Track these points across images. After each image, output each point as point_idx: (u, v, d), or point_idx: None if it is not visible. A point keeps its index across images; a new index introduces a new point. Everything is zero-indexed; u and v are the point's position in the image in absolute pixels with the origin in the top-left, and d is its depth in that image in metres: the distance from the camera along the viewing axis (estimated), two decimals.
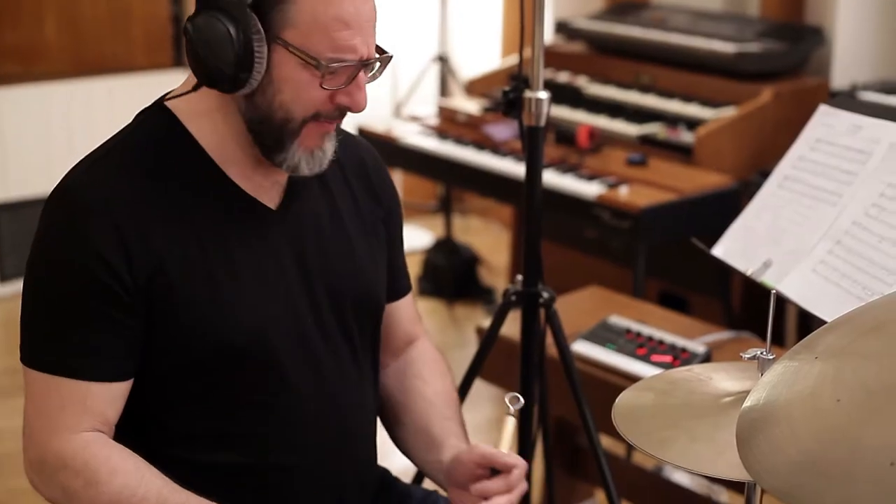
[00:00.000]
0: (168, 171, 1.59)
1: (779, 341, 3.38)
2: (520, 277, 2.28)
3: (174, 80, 1.68)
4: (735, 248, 2.09)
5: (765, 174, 2.31)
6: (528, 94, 2.19)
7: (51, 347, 1.55)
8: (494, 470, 1.67)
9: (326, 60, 1.53)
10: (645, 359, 2.46)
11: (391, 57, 1.63)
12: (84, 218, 1.54)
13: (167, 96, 1.65)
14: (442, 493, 1.87)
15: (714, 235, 2.15)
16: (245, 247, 1.62)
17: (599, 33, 4.05)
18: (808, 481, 1.15)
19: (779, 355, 1.43)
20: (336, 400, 1.69)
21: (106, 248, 1.52)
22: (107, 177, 1.57)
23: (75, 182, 1.58)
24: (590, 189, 3.28)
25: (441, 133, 3.87)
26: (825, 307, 1.82)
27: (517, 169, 3.40)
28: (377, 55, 1.60)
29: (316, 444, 1.67)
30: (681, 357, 2.44)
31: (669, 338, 2.52)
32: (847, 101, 3.16)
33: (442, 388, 1.86)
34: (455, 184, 4.50)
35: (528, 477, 2.33)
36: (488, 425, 3.49)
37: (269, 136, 1.58)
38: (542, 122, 2.20)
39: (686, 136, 3.51)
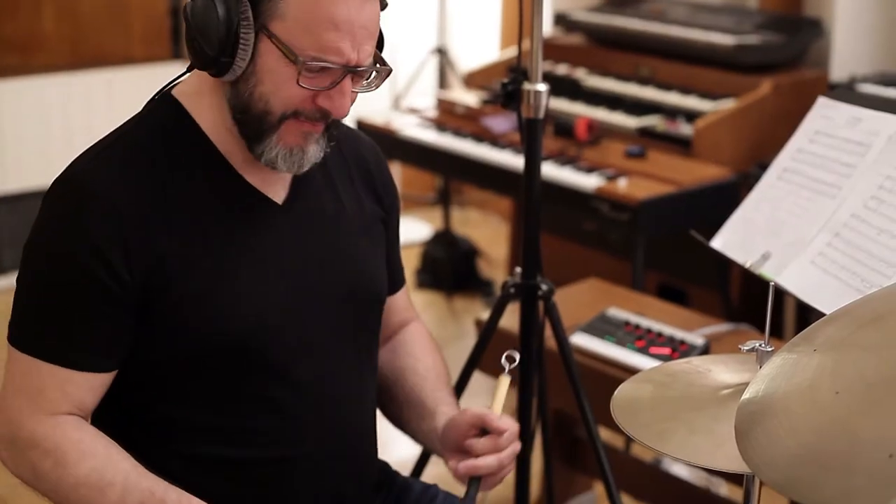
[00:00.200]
0: (174, 162, 1.59)
1: (777, 333, 3.38)
2: (518, 270, 2.28)
3: (172, 72, 1.68)
4: (734, 240, 2.09)
5: (764, 166, 2.31)
6: (526, 86, 2.18)
7: (37, 332, 1.56)
8: (486, 431, 1.72)
9: (307, 58, 1.51)
10: (644, 351, 2.46)
11: (390, 71, 1.61)
12: (84, 209, 1.53)
13: (174, 84, 1.65)
14: (441, 486, 1.88)
15: (713, 228, 2.15)
16: (250, 241, 1.62)
17: (598, 25, 4.04)
18: (807, 473, 1.15)
19: (777, 348, 1.43)
20: (336, 394, 1.69)
21: (104, 242, 1.52)
22: (110, 168, 1.56)
23: (79, 172, 1.57)
24: (588, 181, 3.27)
25: (440, 125, 3.87)
26: (824, 299, 1.82)
27: (516, 161, 3.40)
28: (375, 66, 1.59)
29: (316, 438, 1.67)
30: (679, 349, 2.44)
31: (668, 330, 2.52)
32: (846, 93, 3.15)
33: (433, 363, 1.90)
34: (454, 176, 4.50)
35: (527, 469, 2.34)
36: None
37: (249, 126, 1.57)
38: (541, 115, 2.19)
39: (685, 129, 3.51)
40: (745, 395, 1.33)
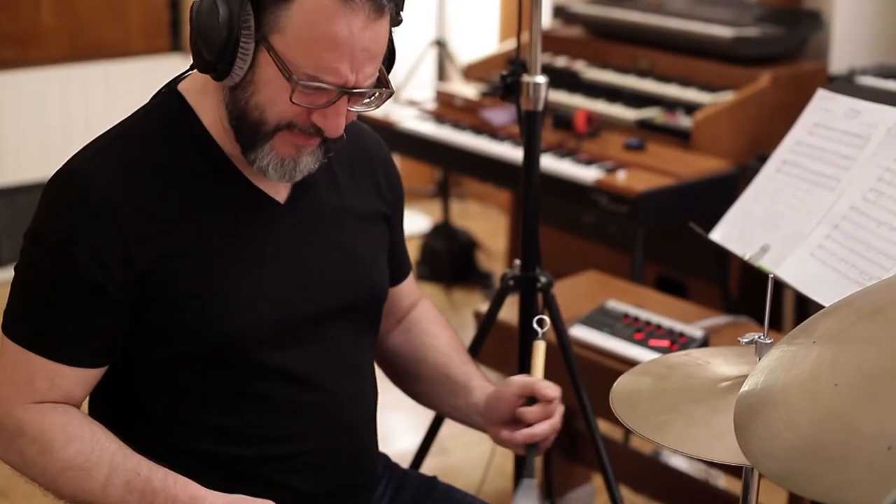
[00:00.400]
0: (176, 159, 1.58)
1: (776, 326, 3.39)
2: (518, 262, 2.28)
3: (171, 65, 1.68)
4: (733, 232, 2.09)
5: (763, 159, 2.31)
6: (525, 78, 2.18)
7: (30, 324, 1.56)
8: (532, 399, 1.77)
9: (302, 76, 1.48)
10: (643, 343, 2.46)
11: (392, 93, 1.58)
12: (82, 207, 1.53)
13: (181, 78, 1.65)
14: (440, 478, 1.88)
15: (712, 220, 2.15)
16: (251, 239, 1.62)
17: (597, 18, 4.04)
18: (806, 466, 1.15)
19: (776, 340, 1.43)
20: (336, 390, 1.68)
21: (101, 240, 1.52)
22: (111, 165, 1.56)
23: (79, 168, 1.57)
24: (588, 174, 3.27)
25: (439, 117, 3.86)
26: (823, 291, 1.82)
27: (515, 153, 3.39)
28: (375, 88, 1.56)
29: (316, 435, 1.67)
30: (678, 341, 2.44)
31: (667, 322, 2.52)
32: (845, 85, 3.15)
33: (448, 337, 1.94)
34: (453, 168, 4.49)
35: None
36: None
37: (243, 132, 1.55)
38: (540, 107, 2.19)
39: (684, 121, 3.50)
40: (744, 388, 1.33)
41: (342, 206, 1.72)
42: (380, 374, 1.85)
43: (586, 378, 2.27)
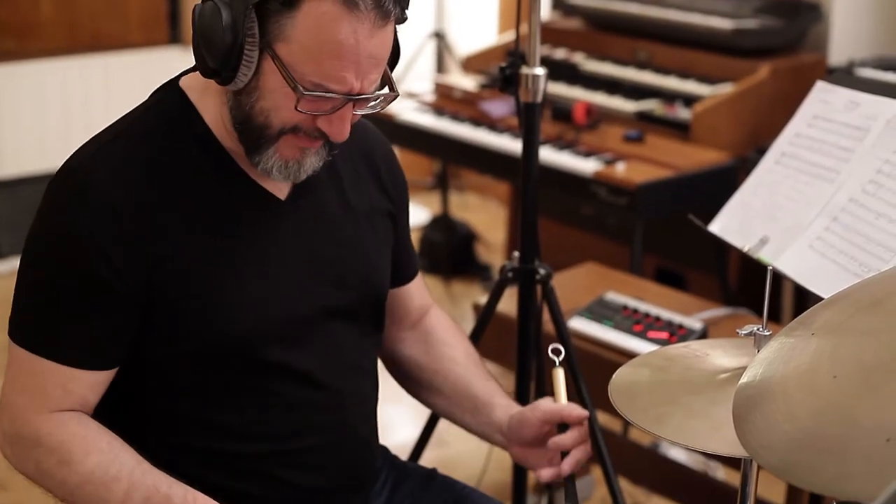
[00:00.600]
0: (178, 157, 1.57)
1: (775, 318, 3.39)
2: (516, 254, 2.28)
3: (170, 57, 1.68)
4: (732, 224, 2.09)
5: (762, 151, 2.30)
6: (524, 70, 2.18)
7: (38, 328, 1.55)
8: (561, 424, 1.78)
9: (307, 85, 1.47)
10: (641, 335, 2.46)
11: (397, 95, 1.57)
12: (86, 210, 1.52)
13: (183, 74, 1.64)
14: (440, 470, 1.88)
15: (711, 212, 2.14)
16: (253, 236, 1.61)
17: (596, 9, 4.03)
18: (805, 457, 1.16)
19: (775, 332, 1.43)
20: (338, 387, 1.68)
21: (105, 239, 1.51)
22: (113, 163, 1.55)
23: (80, 166, 1.56)
24: (587, 166, 3.27)
25: (437, 109, 3.86)
26: (822, 283, 1.82)
27: (514, 145, 3.39)
28: (380, 94, 1.55)
29: (319, 432, 1.67)
30: (677, 333, 2.45)
31: (666, 314, 2.52)
32: (844, 77, 3.15)
33: (466, 349, 1.93)
34: (452, 160, 4.49)
35: None
36: None
37: (248, 136, 1.55)
38: (539, 99, 2.19)
39: (683, 113, 3.50)
40: (743, 379, 1.33)
41: (344, 203, 1.72)
42: (380, 372, 1.85)
43: (585, 370, 2.27)
